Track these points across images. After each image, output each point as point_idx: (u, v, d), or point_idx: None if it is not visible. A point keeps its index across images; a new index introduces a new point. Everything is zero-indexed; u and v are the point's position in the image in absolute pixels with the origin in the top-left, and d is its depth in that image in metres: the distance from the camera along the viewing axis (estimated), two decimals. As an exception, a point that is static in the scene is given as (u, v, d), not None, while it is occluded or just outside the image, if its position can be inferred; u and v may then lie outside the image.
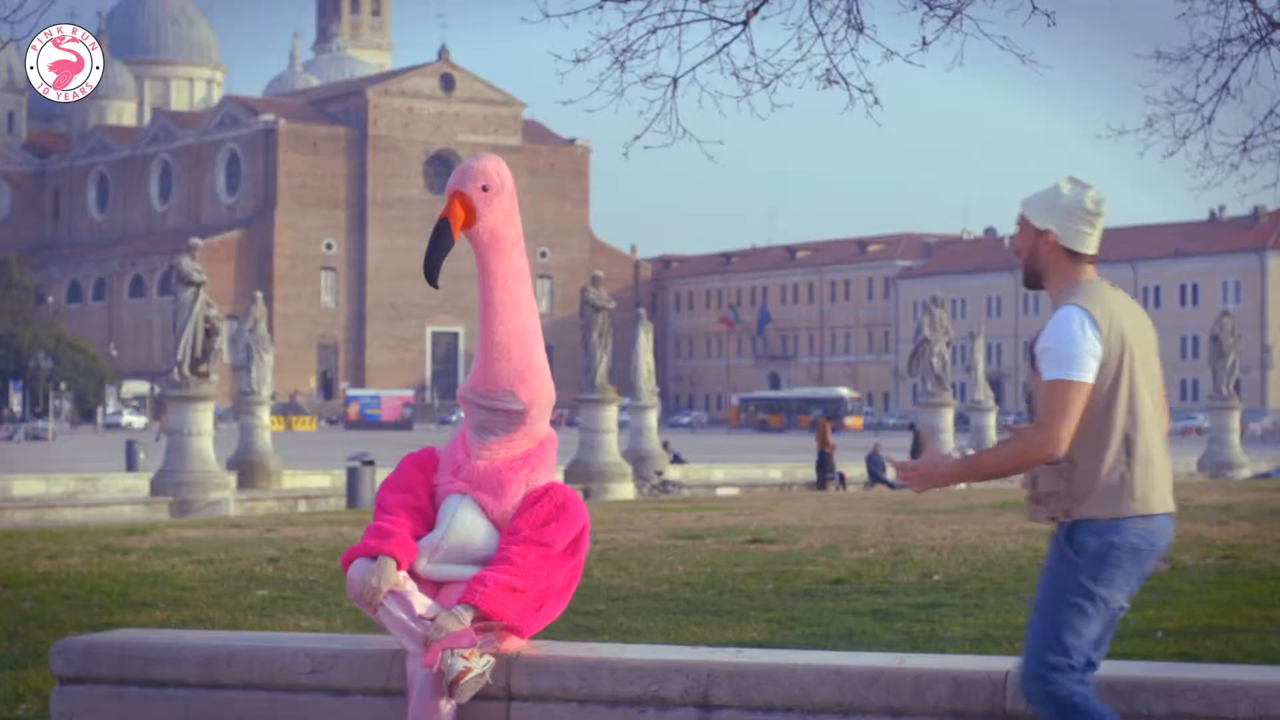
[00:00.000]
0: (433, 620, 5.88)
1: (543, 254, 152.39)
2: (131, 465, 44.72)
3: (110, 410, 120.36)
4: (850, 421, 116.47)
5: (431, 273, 6.08)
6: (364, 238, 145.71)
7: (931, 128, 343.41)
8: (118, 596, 12.08)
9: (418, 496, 6.17)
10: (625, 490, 39.91)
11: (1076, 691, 5.26)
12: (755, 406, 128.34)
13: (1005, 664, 5.82)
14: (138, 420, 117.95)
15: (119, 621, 10.51)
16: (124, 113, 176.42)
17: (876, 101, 11.53)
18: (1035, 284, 5.41)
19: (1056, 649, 5.27)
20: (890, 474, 41.33)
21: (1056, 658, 5.27)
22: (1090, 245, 5.34)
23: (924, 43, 11.15)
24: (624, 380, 46.14)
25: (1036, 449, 5.17)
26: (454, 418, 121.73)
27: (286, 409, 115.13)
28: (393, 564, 5.95)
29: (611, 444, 41.24)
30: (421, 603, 5.94)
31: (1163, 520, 5.33)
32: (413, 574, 6.06)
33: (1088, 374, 5.17)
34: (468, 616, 5.89)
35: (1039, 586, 5.39)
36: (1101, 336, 5.19)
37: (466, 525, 6.11)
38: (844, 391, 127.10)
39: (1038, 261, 5.36)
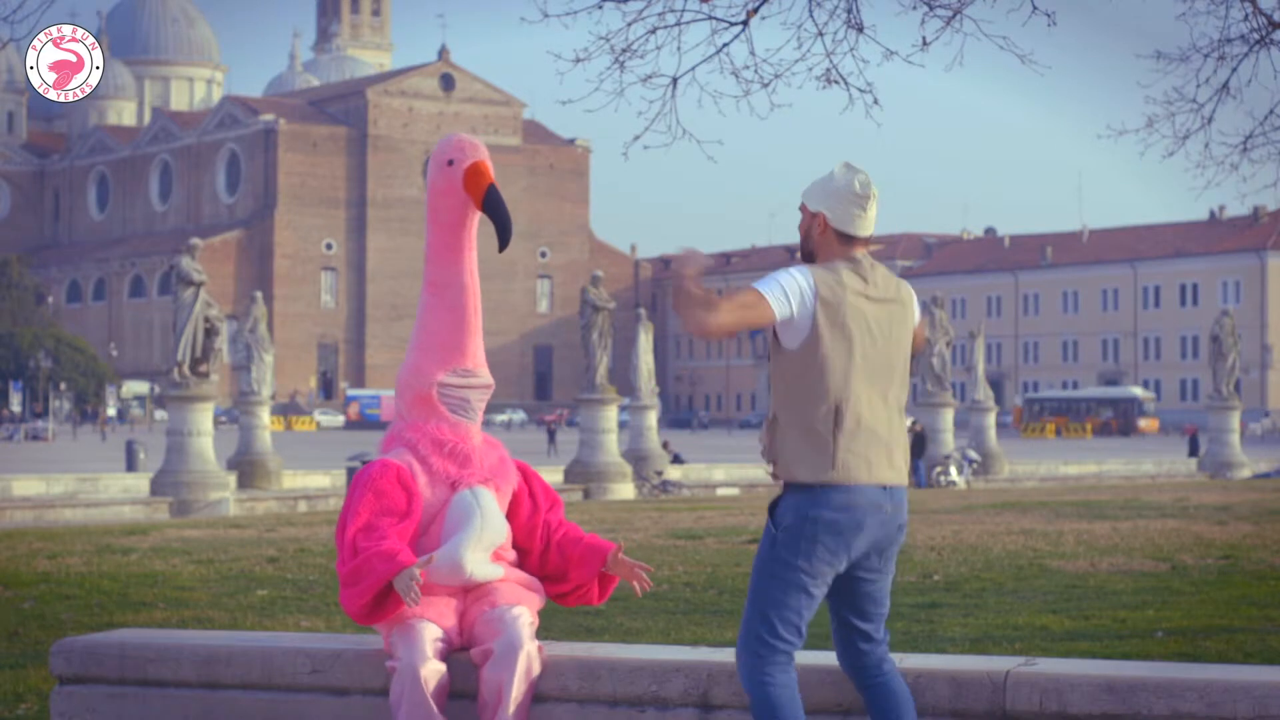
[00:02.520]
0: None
1: (543, 254, 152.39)
2: (131, 465, 44.72)
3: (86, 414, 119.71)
4: (1144, 424, 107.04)
5: (510, 237, 6.12)
6: (364, 238, 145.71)
7: (931, 128, 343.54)
8: (118, 596, 12.08)
9: (409, 517, 6.07)
10: (625, 490, 39.94)
11: (776, 680, 5.37)
12: (1042, 406, 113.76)
13: (1005, 664, 5.83)
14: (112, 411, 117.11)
15: (119, 621, 10.51)
16: (124, 113, 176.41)
17: (876, 101, 11.52)
18: (810, 262, 5.55)
19: (764, 625, 5.39)
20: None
21: (765, 634, 5.39)
22: (861, 228, 5.47)
23: (924, 43, 11.14)
24: (624, 380, 46.18)
25: (699, 310, 5.31)
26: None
27: (286, 409, 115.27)
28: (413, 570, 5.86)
29: (612, 444, 41.27)
30: (433, 634, 5.95)
31: (870, 491, 5.37)
32: (437, 587, 6.03)
33: (771, 298, 5.31)
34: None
35: (753, 562, 5.53)
36: (816, 297, 5.33)
37: (497, 516, 6.12)
38: (1136, 391, 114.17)
39: (810, 242, 5.53)
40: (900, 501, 5.47)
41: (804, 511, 5.35)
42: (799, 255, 5.63)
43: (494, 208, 6.08)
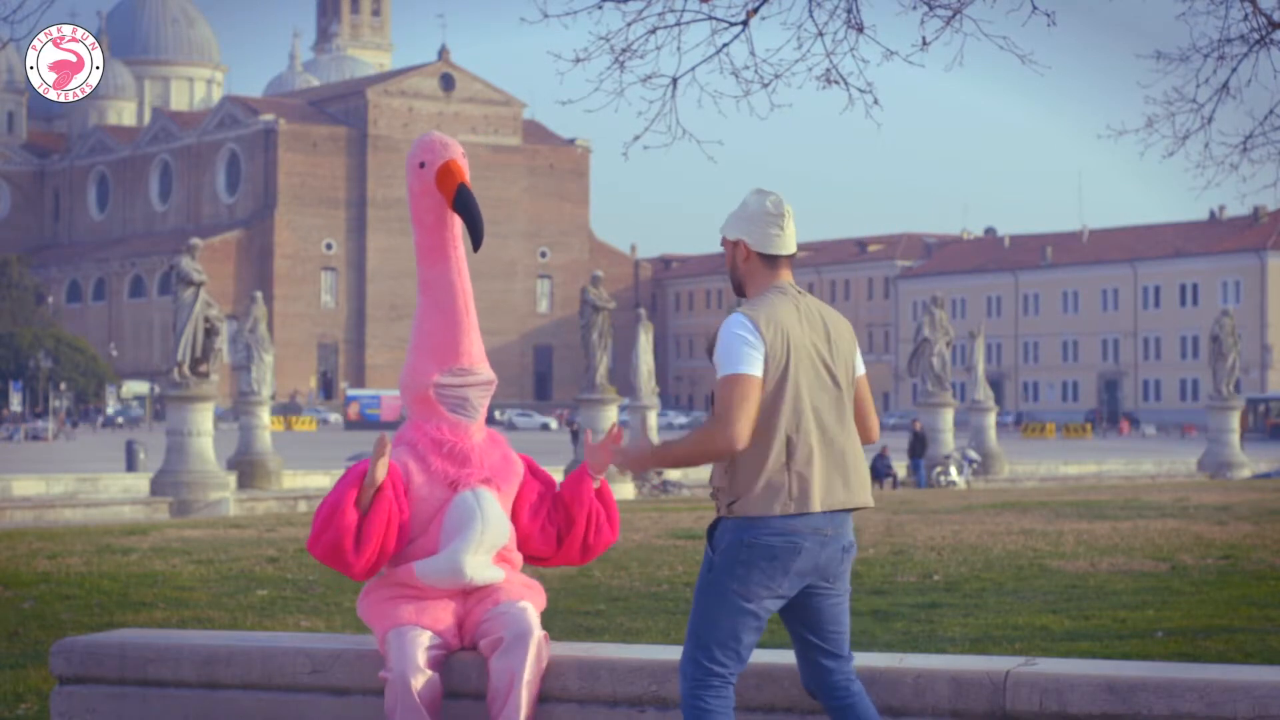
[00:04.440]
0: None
1: (543, 254, 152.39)
2: (131, 465, 44.71)
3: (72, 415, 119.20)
4: None
5: (482, 236, 6.11)
6: (364, 238, 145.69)
7: (931, 128, 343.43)
8: (118, 596, 12.08)
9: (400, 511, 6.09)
10: (625, 490, 39.93)
11: (711, 706, 5.39)
12: (1267, 407, 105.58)
13: (1005, 664, 5.83)
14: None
15: (119, 621, 10.52)
16: (124, 113, 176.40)
17: (876, 101, 11.52)
18: (741, 293, 5.61)
19: (702, 650, 5.42)
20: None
21: (703, 659, 5.41)
22: (782, 246, 5.54)
23: (924, 43, 11.13)
24: (624, 380, 46.13)
25: (716, 440, 5.31)
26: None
27: (287, 409, 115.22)
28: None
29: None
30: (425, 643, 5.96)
31: (811, 517, 5.39)
32: (435, 590, 6.04)
33: (754, 368, 5.32)
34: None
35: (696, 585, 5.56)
36: (763, 338, 5.36)
37: (498, 517, 6.12)
38: None
39: (738, 272, 5.59)
40: (842, 524, 5.48)
41: (740, 536, 5.38)
42: (731, 287, 5.68)
43: (464, 208, 6.09)
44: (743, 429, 5.29)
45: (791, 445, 5.37)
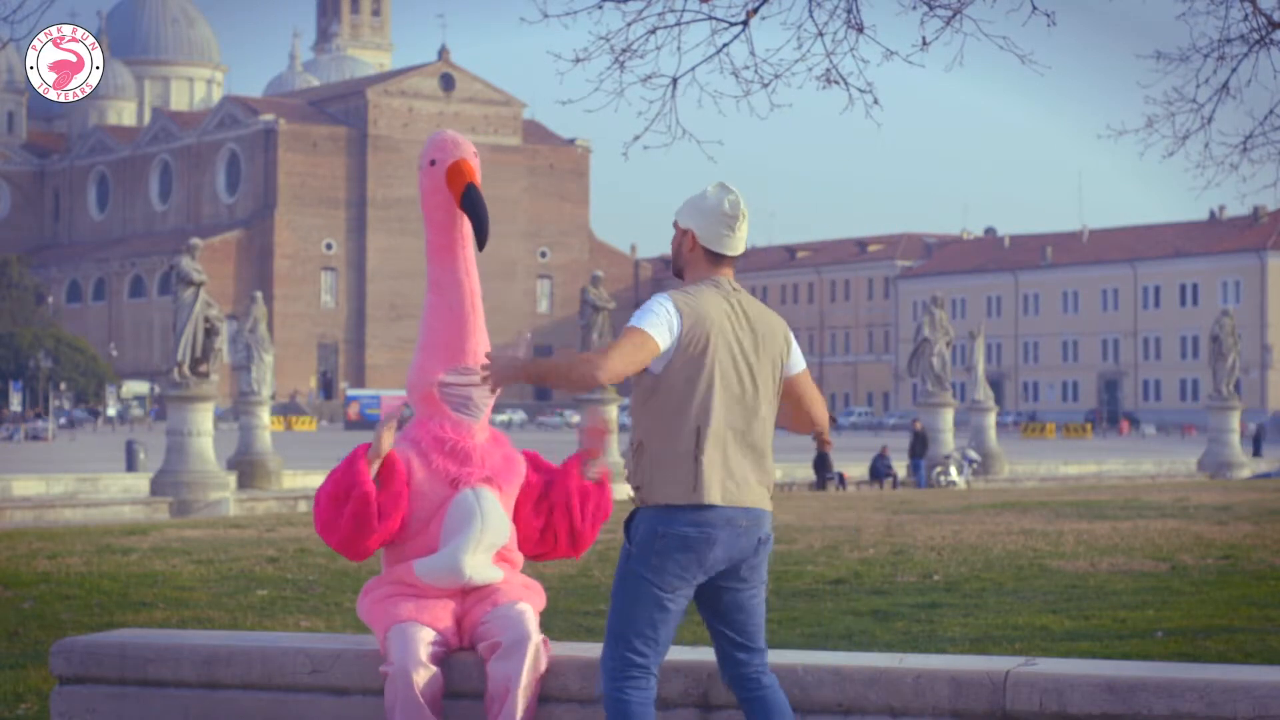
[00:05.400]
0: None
1: (543, 254, 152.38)
2: (131, 465, 44.71)
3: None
4: None
5: (486, 236, 6.13)
6: (364, 238, 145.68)
7: (931, 128, 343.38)
8: (118, 596, 12.08)
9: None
10: (625, 490, 39.89)
11: (630, 697, 5.43)
12: None
13: (1005, 664, 5.83)
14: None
15: (119, 621, 10.51)
16: (124, 113, 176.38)
17: (876, 101, 11.51)
18: (680, 277, 5.65)
19: (620, 641, 5.46)
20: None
21: (622, 649, 5.45)
22: (729, 247, 5.56)
23: (924, 43, 11.13)
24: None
25: (582, 367, 5.33)
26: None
27: (287, 409, 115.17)
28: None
29: (611, 444, 41.24)
30: (426, 639, 5.96)
31: (729, 511, 5.42)
32: (434, 590, 6.04)
33: (655, 332, 5.35)
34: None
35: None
36: (681, 321, 5.40)
37: (499, 517, 6.12)
38: None
39: (681, 259, 5.63)
40: (758, 517, 5.51)
41: (656, 527, 5.42)
42: (671, 271, 5.72)
43: (471, 207, 6.09)
44: (612, 369, 5.31)
45: (700, 436, 5.40)
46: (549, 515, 6.27)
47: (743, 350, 5.49)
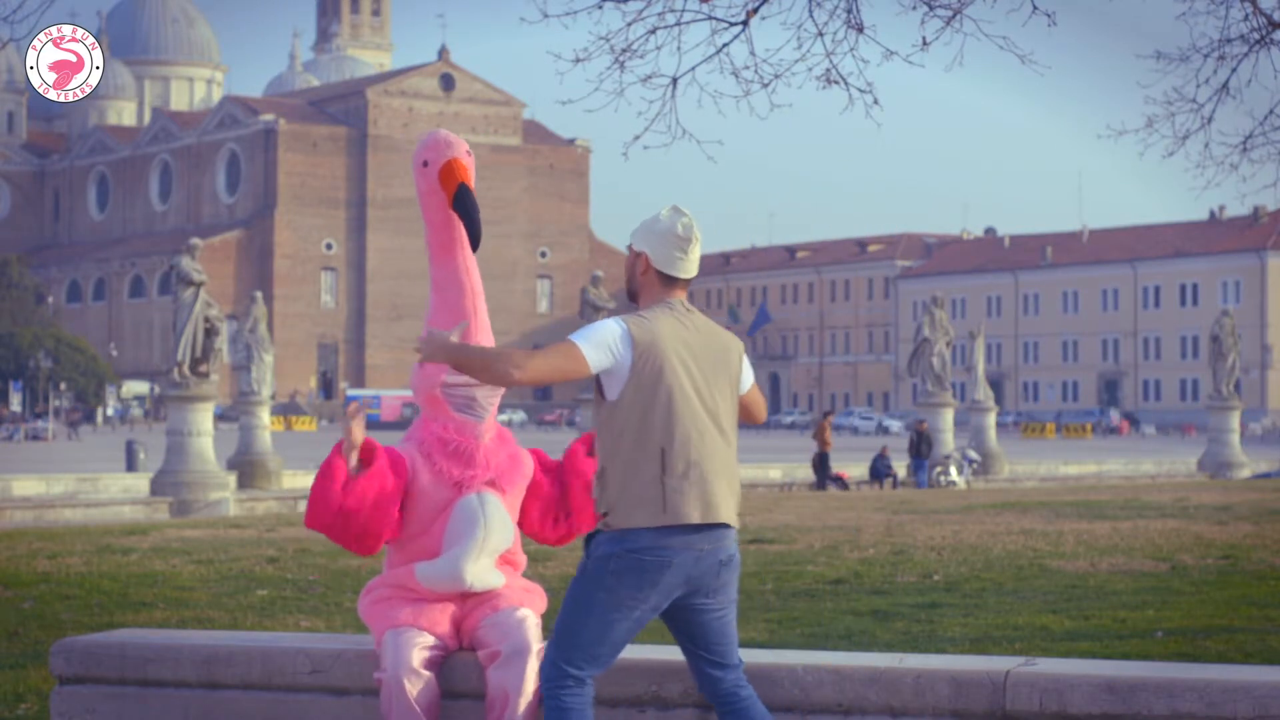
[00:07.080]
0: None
1: (542, 254, 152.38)
2: (131, 465, 44.70)
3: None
4: None
5: (479, 236, 6.13)
6: (364, 238, 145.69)
7: (931, 128, 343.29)
8: (118, 596, 12.08)
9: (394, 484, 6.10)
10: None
11: (567, 705, 5.48)
12: None
13: (1005, 664, 5.83)
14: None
15: (119, 621, 10.51)
16: (124, 113, 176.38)
17: (876, 101, 11.51)
18: (634, 300, 5.68)
19: (560, 651, 5.50)
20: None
21: (560, 660, 5.49)
22: (682, 270, 5.61)
23: (924, 43, 11.13)
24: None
25: (503, 363, 5.40)
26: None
27: (286, 409, 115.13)
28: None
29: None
30: (424, 645, 5.96)
31: (691, 535, 5.44)
32: (432, 594, 6.03)
33: (589, 351, 5.40)
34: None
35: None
36: (633, 347, 5.43)
37: (502, 521, 6.11)
38: None
39: (634, 282, 5.66)
40: (720, 538, 5.51)
41: (613, 547, 5.44)
42: (626, 294, 5.75)
43: (463, 207, 6.07)
44: (533, 372, 5.37)
45: (666, 457, 5.42)
46: (565, 494, 6.28)
47: (701, 370, 5.52)
